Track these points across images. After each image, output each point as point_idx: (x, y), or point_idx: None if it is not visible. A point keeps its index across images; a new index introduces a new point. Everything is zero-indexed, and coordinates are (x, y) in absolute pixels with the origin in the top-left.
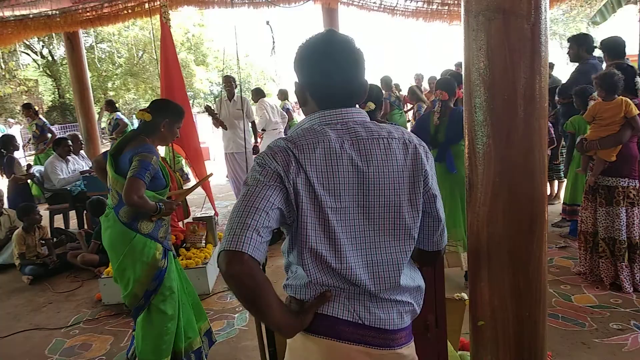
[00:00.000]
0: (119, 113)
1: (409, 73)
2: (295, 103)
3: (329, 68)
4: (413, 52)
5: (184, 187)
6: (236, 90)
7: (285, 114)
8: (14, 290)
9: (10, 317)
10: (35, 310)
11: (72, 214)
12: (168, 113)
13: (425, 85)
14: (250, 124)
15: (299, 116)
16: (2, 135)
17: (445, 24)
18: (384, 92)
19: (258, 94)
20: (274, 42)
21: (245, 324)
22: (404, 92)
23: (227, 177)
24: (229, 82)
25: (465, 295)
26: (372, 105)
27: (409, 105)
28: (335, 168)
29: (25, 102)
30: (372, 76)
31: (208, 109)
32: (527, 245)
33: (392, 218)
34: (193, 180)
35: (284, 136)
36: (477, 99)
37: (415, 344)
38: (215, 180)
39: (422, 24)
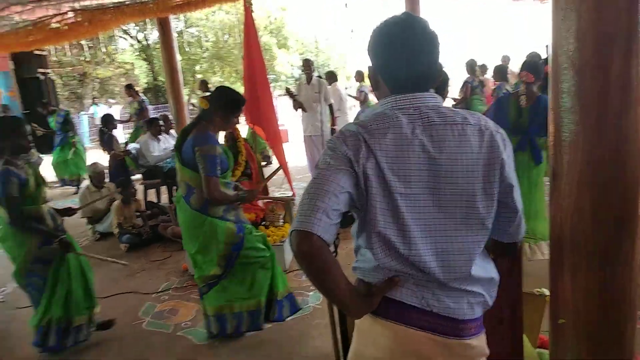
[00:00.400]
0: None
1: (495, 57)
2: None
3: (402, 52)
4: (500, 35)
5: (263, 169)
6: (315, 74)
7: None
8: (112, 256)
9: (110, 280)
10: (131, 275)
11: (164, 189)
12: (222, 104)
13: (512, 67)
14: (327, 108)
15: (374, 100)
16: (104, 115)
17: (536, 2)
18: (468, 75)
19: (331, 77)
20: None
21: (319, 302)
22: (489, 73)
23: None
24: (307, 65)
25: (546, 291)
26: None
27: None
28: (405, 154)
29: (126, 83)
30: (455, 62)
31: (288, 91)
32: (616, 240)
33: (465, 207)
34: (274, 163)
35: (356, 120)
36: (564, 83)
37: (488, 338)
38: (294, 162)
39: (510, 3)
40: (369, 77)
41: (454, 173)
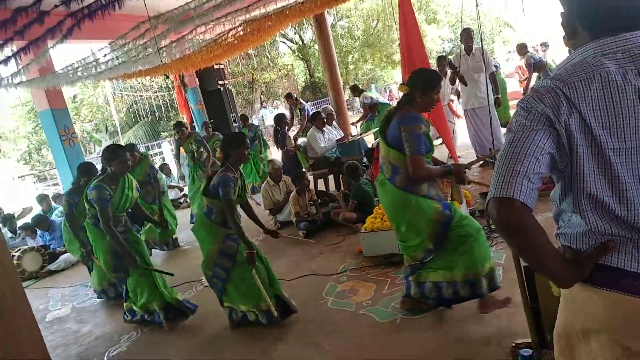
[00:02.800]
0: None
1: None
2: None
3: None
4: None
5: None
6: (475, 44)
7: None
8: (293, 242)
9: (293, 264)
10: (311, 259)
11: (331, 177)
12: (420, 83)
13: None
14: (489, 76)
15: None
16: (277, 115)
17: None
18: None
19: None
20: None
21: (500, 280)
22: None
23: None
24: (468, 35)
25: None
26: None
27: None
28: (617, 104)
29: (286, 92)
30: None
31: (451, 63)
32: None
33: None
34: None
35: (549, 75)
36: None
37: None
38: (459, 140)
39: None
40: (562, 25)
41: None
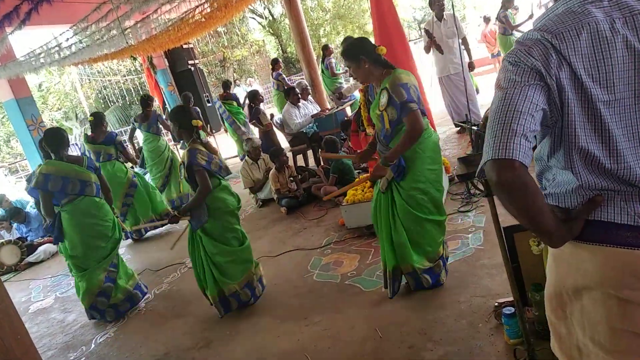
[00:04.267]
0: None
1: None
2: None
3: None
4: None
5: None
6: (446, 10)
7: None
8: (276, 220)
9: (277, 240)
10: (294, 234)
11: (310, 153)
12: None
13: None
14: (461, 41)
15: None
16: (250, 91)
17: None
18: None
19: None
20: None
21: (481, 243)
22: None
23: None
24: (438, 1)
25: None
26: None
27: None
28: (606, 54)
29: (273, 58)
30: None
31: (427, 31)
32: None
33: None
34: None
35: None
36: None
37: None
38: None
39: None
40: None
41: None
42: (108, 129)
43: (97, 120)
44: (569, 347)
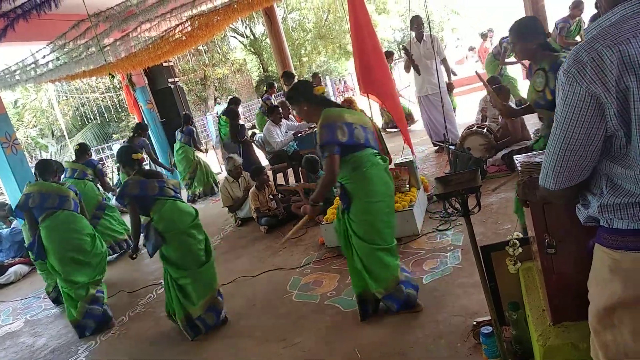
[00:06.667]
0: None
1: None
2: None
3: None
4: None
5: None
6: (425, 31)
7: None
8: (255, 239)
9: (256, 259)
10: (274, 254)
11: (290, 171)
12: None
13: None
14: (441, 62)
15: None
16: (230, 111)
17: None
18: None
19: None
20: None
21: (459, 262)
22: None
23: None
24: (417, 22)
25: None
26: None
27: None
28: None
29: (269, 82)
30: None
31: (406, 50)
32: None
33: None
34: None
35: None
36: None
37: None
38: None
39: None
40: None
41: None
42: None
43: (83, 150)
44: (615, 353)
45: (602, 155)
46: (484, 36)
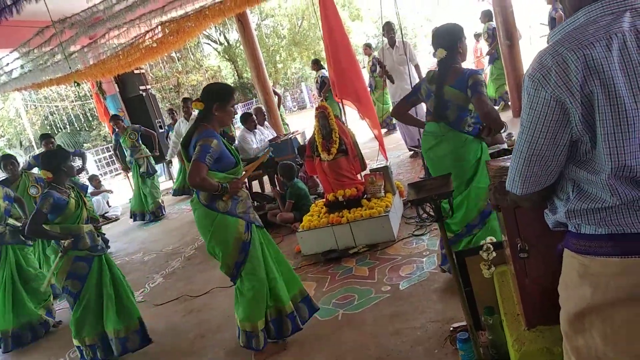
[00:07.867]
0: (323, 71)
1: None
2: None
3: None
4: None
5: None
6: (397, 36)
7: None
8: None
9: None
10: None
11: (266, 178)
12: (215, 97)
13: None
14: (414, 68)
15: None
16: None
17: None
18: None
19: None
20: None
21: (435, 267)
22: None
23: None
24: (389, 28)
25: None
26: (443, 53)
27: None
28: (635, 63)
29: (256, 107)
30: None
31: (379, 62)
32: None
33: None
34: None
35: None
36: None
37: None
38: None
39: None
40: None
41: None
42: None
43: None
44: (586, 357)
45: (568, 160)
46: (476, 36)
